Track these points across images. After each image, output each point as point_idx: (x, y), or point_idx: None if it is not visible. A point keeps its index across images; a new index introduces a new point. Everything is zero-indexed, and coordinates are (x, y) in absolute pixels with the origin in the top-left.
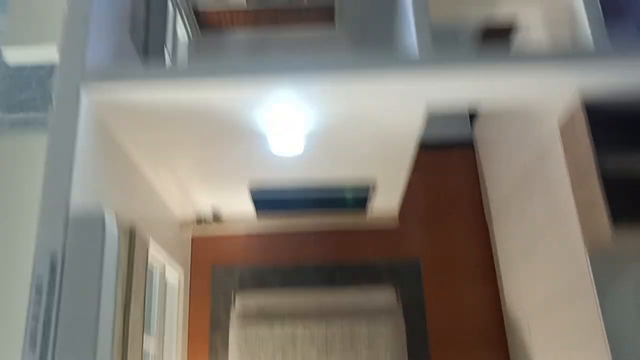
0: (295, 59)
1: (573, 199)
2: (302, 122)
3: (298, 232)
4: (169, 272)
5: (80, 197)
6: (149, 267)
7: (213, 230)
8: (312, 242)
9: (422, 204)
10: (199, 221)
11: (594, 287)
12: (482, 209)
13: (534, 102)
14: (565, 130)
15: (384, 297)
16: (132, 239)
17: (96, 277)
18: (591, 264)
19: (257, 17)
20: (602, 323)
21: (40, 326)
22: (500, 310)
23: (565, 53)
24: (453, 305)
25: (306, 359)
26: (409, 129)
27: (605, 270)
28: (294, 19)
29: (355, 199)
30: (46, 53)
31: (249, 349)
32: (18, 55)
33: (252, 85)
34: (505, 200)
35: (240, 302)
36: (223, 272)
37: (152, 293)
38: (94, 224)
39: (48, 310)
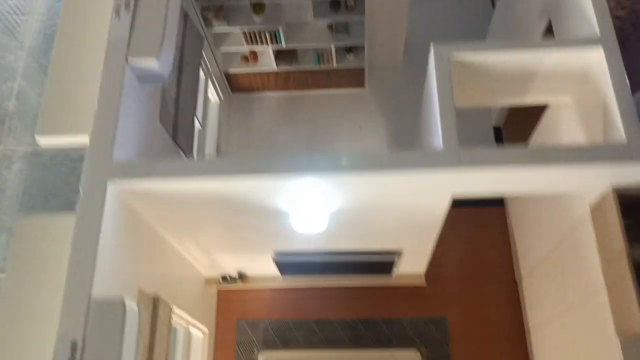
0: (322, 158)
1: (604, 280)
2: (326, 205)
3: (323, 288)
4: (193, 329)
5: (103, 277)
6: (172, 327)
7: (238, 286)
8: (337, 298)
9: (450, 262)
10: (224, 279)
11: None
12: (512, 269)
13: (562, 192)
14: (596, 211)
15: (408, 356)
16: (155, 307)
17: (116, 356)
18: (623, 351)
19: (287, 80)
20: None
21: None
22: None
23: (596, 149)
24: None
25: None
26: (435, 211)
27: (637, 357)
28: (324, 81)
29: (381, 264)
30: (78, 141)
31: None
32: (51, 141)
33: (276, 181)
34: (537, 263)
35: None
36: (247, 326)
37: (175, 350)
38: (114, 308)
39: None
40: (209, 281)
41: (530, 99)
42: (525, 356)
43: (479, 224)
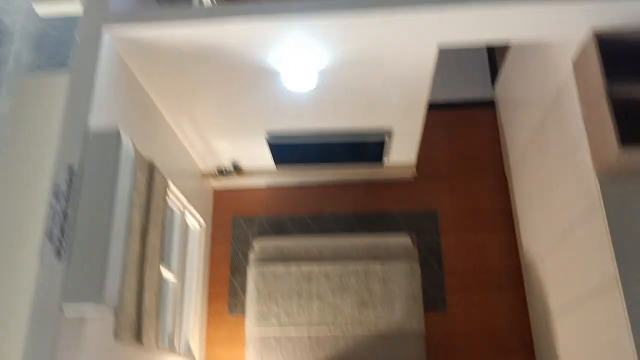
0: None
1: (584, 126)
2: (315, 59)
3: (317, 185)
4: (190, 219)
5: (99, 121)
6: (169, 207)
7: (234, 182)
8: (331, 194)
9: (442, 159)
10: (220, 172)
11: (603, 208)
12: (502, 163)
13: (545, 37)
14: (578, 63)
15: (400, 241)
16: (151, 172)
17: (111, 185)
18: (600, 186)
19: None
20: (610, 240)
21: (57, 224)
22: (517, 255)
23: None
24: (470, 252)
25: (321, 293)
26: (421, 70)
27: (613, 191)
28: None
29: (372, 148)
30: (73, 7)
31: (266, 286)
32: (47, 9)
33: (265, 25)
34: (524, 149)
35: (259, 245)
36: (243, 222)
37: (172, 234)
38: (111, 139)
39: (65, 212)
40: (205, 175)
41: None
42: (513, 242)
43: (469, 124)
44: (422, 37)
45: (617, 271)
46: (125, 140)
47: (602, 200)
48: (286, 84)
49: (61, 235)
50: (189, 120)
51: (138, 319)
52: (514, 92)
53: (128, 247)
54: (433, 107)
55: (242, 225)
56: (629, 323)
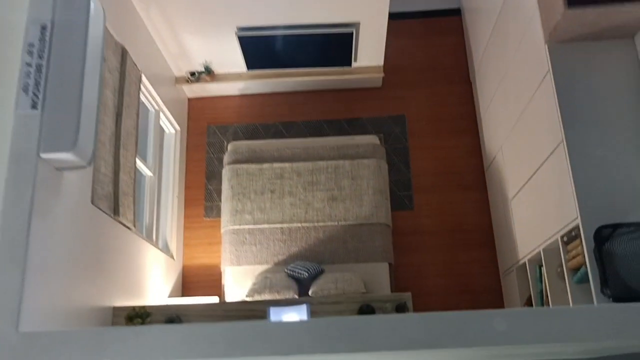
0: None
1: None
2: None
3: (288, 92)
4: (165, 122)
5: None
6: (144, 106)
7: (207, 89)
8: (302, 101)
9: (409, 66)
10: (192, 74)
11: (551, 72)
12: (467, 70)
13: None
14: None
15: (368, 140)
16: (123, 56)
17: (81, 38)
18: (549, 52)
19: None
20: (557, 103)
21: (32, 78)
22: (481, 157)
23: None
24: (436, 155)
25: (293, 188)
26: None
27: (561, 55)
28: None
29: (341, 44)
30: None
31: (240, 184)
32: None
33: None
34: (485, 51)
35: (233, 146)
36: (217, 130)
37: (148, 131)
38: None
39: (39, 66)
40: (178, 80)
41: None
42: (477, 145)
43: (435, 32)
44: None
45: (563, 131)
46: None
47: (550, 64)
48: None
49: (36, 88)
50: (159, 10)
51: (115, 193)
52: (478, 2)
53: (102, 122)
54: (401, 16)
55: (217, 133)
56: (572, 180)
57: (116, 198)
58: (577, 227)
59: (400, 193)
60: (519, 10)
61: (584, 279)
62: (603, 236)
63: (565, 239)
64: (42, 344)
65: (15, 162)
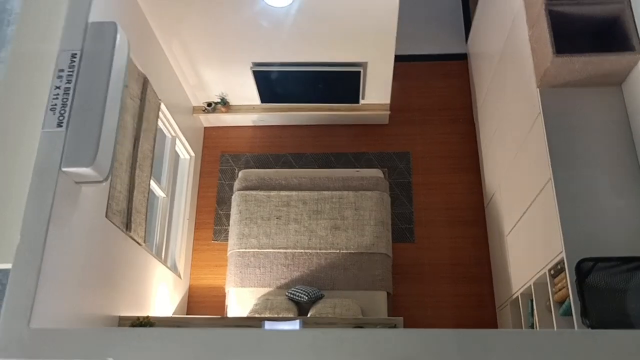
0: None
1: (530, 45)
2: None
3: (299, 125)
4: (180, 147)
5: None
6: (161, 131)
7: (223, 119)
8: (312, 134)
9: (416, 106)
10: (209, 104)
11: (542, 114)
12: (471, 111)
13: None
14: None
15: (372, 174)
16: (144, 84)
17: (106, 69)
18: (540, 96)
19: None
20: (547, 141)
21: (60, 100)
22: (481, 194)
23: None
24: (438, 191)
25: (298, 215)
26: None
27: (551, 99)
28: None
29: (349, 82)
30: None
31: (248, 209)
32: None
33: None
34: (486, 94)
35: (243, 173)
36: (230, 158)
37: (164, 154)
38: (108, 27)
39: (66, 90)
40: (196, 109)
41: None
42: (478, 182)
43: (443, 75)
44: None
45: (551, 170)
46: (121, 32)
47: (541, 107)
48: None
49: (62, 108)
50: (181, 45)
51: (128, 210)
52: (480, 44)
53: (121, 143)
54: (410, 59)
55: (230, 161)
56: (558, 215)
57: (129, 214)
58: (562, 261)
59: (402, 226)
60: (515, 56)
61: (569, 312)
62: (584, 269)
63: (552, 272)
64: (50, 340)
65: (38, 174)
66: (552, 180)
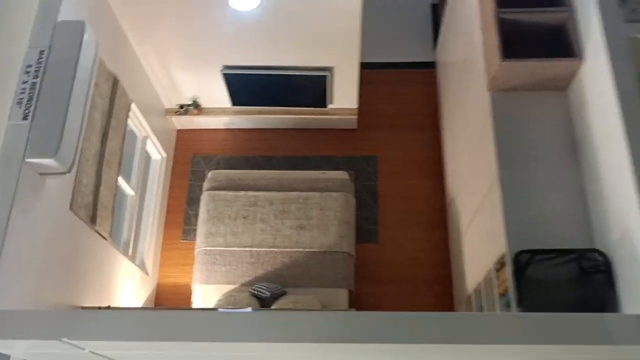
0: None
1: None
2: None
3: (270, 128)
4: (152, 148)
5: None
6: (131, 131)
7: (195, 122)
8: (282, 137)
9: (384, 112)
10: (181, 107)
11: (491, 117)
12: (437, 119)
13: None
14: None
15: (338, 176)
16: (114, 84)
17: (72, 66)
18: (490, 100)
19: None
20: (494, 142)
21: (26, 94)
22: (444, 197)
23: None
24: (403, 194)
25: (265, 216)
26: (350, 4)
27: (500, 103)
28: None
29: (316, 86)
30: None
31: (216, 208)
32: None
33: None
34: (451, 100)
35: (213, 174)
36: (202, 160)
37: (134, 154)
38: (76, 25)
39: (33, 84)
40: (168, 111)
41: None
42: (442, 187)
43: (411, 82)
44: None
45: (497, 171)
46: (89, 31)
47: (491, 110)
48: (231, 2)
49: (28, 102)
50: (153, 48)
51: (94, 204)
52: (447, 53)
53: (88, 140)
54: (380, 66)
55: (201, 163)
56: (502, 213)
57: (95, 208)
58: (504, 255)
59: (367, 227)
60: (472, 62)
61: (510, 303)
62: (522, 261)
63: (497, 266)
64: (7, 321)
65: (2, 165)
66: (498, 179)
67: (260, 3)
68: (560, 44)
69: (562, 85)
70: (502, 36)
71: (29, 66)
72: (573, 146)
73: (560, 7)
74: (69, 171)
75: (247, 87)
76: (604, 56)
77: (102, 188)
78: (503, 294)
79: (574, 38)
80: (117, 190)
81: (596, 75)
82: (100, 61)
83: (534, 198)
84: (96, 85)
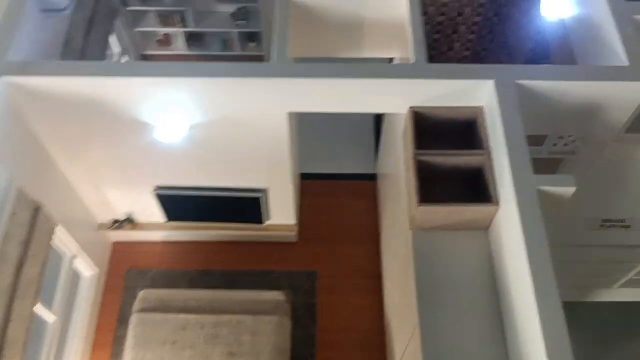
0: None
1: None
2: (185, 116)
3: (207, 242)
4: (81, 266)
5: None
6: (56, 252)
7: (131, 235)
8: (219, 251)
9: (324, 224)
10: (116, 221)
11: (412, 257)
12: (377, 231)
13: (376, 110)
14: (404, 134)
15: (272, 297)
16: (35, 211)
17: None
18: (412, 239)
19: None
20: (415, 285)
21: None
22: (382, 316)
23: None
24: (342, 313)
25: (194, 342)
26: (278, 132)
27: (421, 243)
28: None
29: (250, 206)
30: None
31: (144, 333)
32: None
33: (137, 83)
34: (386, 216)
35: (143, 294)
36: (136, 274)
37: (58, 277)
38: None
39: None
40: (101, 226)
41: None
42: (381, 305)
43: (352, 194)
44: (272, 104)
45: (418, 315)
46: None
47: (412, 251)
48: (158, 137)
49: None
50: (83, 170)
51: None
52: (384, 166)
53: (1, 274)
54: (322, 177)
55: (135, 278)
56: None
57: (0, 349)
58: None
59: (302, 350)
60: (399, 191)
61: None
62: None
63: None
64: None
65: None
66: (419, 327)
67: (192, 140)
68: (479, 188)
69: (483, 226)
70: (419, 178)
71: None
72: (494, 288)
73: (478, 150)
74: None
75: (180, 205)
76: (514, 205)
77: (10, 325)
78: None
79: (490, 183)
80: (31, 322)
81: (508, 220)
82: (19, 190)
83: (455, 344)
84: (14, 214)
